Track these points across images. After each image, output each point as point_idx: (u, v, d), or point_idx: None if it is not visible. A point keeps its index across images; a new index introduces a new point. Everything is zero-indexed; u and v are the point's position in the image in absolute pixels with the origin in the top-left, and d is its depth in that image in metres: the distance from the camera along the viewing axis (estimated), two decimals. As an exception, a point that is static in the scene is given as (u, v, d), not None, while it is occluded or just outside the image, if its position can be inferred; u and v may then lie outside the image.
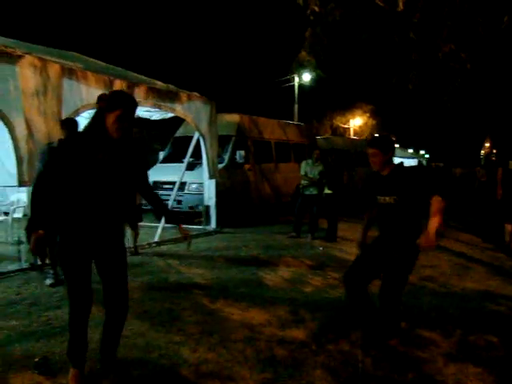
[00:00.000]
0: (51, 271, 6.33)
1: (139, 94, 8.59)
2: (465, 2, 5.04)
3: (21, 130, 6.43)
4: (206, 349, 4.36)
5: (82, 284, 3.37)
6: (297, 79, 33.49)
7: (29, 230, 3.32)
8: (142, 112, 10.01)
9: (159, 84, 9.65)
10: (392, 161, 4.37)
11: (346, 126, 48.16)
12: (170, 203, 10.87)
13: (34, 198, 3.21)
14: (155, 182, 12.67)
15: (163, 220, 10.27)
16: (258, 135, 14.72)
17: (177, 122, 12.58)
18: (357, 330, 4.69)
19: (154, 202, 3.75)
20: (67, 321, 4.96)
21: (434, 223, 3.94)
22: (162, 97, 9.30)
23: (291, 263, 8.10)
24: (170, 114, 10.19)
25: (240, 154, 13.15)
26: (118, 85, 8.04)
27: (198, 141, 10.92)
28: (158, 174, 12.88)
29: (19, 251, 7.15)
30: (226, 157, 13.07)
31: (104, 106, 3.18)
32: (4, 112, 6.29)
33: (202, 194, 11.73)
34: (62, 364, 3.93)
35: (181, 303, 5.70)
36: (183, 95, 10.03)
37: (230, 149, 13.26)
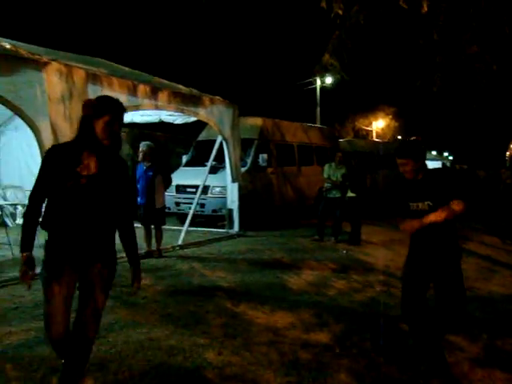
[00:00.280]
0: None
1: (163, 98, 8.66)
2: (490, 3, 4.98)
3: (47, 134, 6.52)
4: (230, 352, 4.37)
5: (61, 306, 3.12)
6: (319, 82, 33.44)
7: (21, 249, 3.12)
8: (166, 116, 10.10)
9: (182, 88, 9.71)
10: (425, 166, 4.03)
11: (368, 129, 47.90)
12: (193, 207, 10.92)
13: (25, 218, 3.13)
14: (178, 186, 12.77)
15: (187, 223, 10.36)
16: (280, 138, 14.71)
17: (200, 125, 12.65)
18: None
19: (125, 237, 3.36)
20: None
21: (434, 215, 3.75)
22: (185, 101, 9.36)
23: (315, 266, 8.08)
24: (193, 118, 10.25)
25: (263, 157, 13.16)
26: (142, 89, 8.11)
27: (220, 144, 10.96)
28: (181, 177, 12.97)
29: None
30: (249, 160, 13.09)
31: (91, 113, 3.05)
32: (31, 117, 6.40)
33: (224, 197, 11.76)
34: (89, 365, 3.98)
35: (204, 306, 5.73)
36: (206, 99, 10.08)
37: (252, 152, 13.28)
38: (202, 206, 12.19)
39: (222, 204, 11.92)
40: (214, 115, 10.36)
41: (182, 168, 14.09)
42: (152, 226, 8.53)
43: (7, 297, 5.96)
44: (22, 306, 5.64)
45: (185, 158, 14.54)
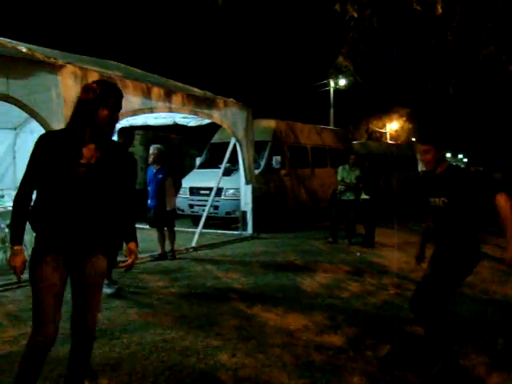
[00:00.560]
0: (106, 282, 6.37)
1: (177, 101, 8.71)
2: (507, 3, 4.95)
3: (62, 137, 6.58)
4: (243, 353, 4.37)
5: (51, 306, 2.98)
6: (333, 84, 33.38)
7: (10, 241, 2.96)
8: (180, 119, 10.14)
9: (196, 91, 9.75)
10: (445, 159, 3.96)
11: (382, 131, 47.70)
12: (207, 209, 10.96)
13: (15, 208, 2.93)
14: (192, 188, 12.82)
15: (201, 225, 10.39)
16: (294, 140, 14.71)
17: (213, 128, 12.68)
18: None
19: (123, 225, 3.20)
20: (107, 324, 5.08)
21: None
22: (198, 103, 9.40)
23: (328, 269, 8.06)
24: (207, 121, 10.29)
25: (276, 159, 13.16)
26: (156, 92, 8.16)
27: (234, 147, 10.99)
28: (194, 179, 13.03)
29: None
30: (263, 162, 13.10)
31: (95, 98, 2.84)
32: (46, 120, 6.46)
33: (238, 199, 11.77)
34: (103, 366, 4.01)
35: (218, 308, 5.74)
36: (220, 102, 10.11)
37: (266, 154, 13.29)
38: (216, 208, 12.22)
39: (236, 206, 11.94)
40: (228, 118, 10.39)
41: (195, 170, 14.13)
42: (165, 229, 8.56)
43: (23, 297, 6.01)
44: (38, 306, 5.68)
45: (198, 160, 14.59)
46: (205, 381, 3.88)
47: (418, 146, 3.96)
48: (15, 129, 11.71)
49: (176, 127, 11.38)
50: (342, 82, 32.58)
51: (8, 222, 8.45)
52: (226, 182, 11.92)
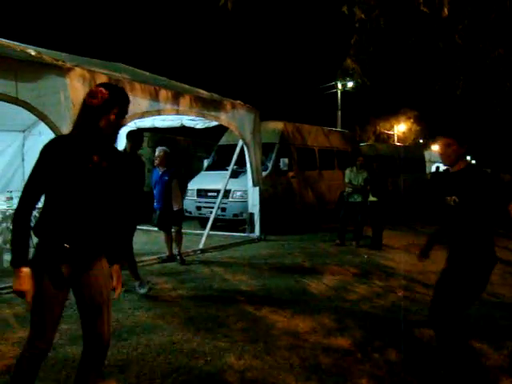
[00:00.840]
0: (137, 282, 6.43)
1: (184, 103, 8.73)
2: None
3: (70, 139, 6.61)
4: (251, 356, 4.37)
5: (55, 314, 2.81)
6: (340, 86, 33.34)
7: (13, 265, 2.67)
8: (187, 121, 10.16)
9: (203, 93, 9.77)
10: (465, 157, 3.76)
11: (389, 132, 47.59)
12: (215, 211, 10.97)
13: (17, 222, 2.71)
14: (199, 190, 12.84)
15: (208, 227, 10.40)
16: (301, 142, 14.71)
17: (221, 130, 12.70)
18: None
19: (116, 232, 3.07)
20: (114, 325, 5.08)
21: None
22: (206, 106, 9.42)
23: (336, 271, 8.05)
24: (214, 123, 10.30)
25: (284, 161, 13.16)
26: (164, 95, 8.18)
27: (241, 149, 11.00)
28: (202, 181, 13.06)
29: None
30: (270, 164, 13.10)
31: (101, 104, 2.71)
32: (55, 122, 6.49)
33: (246, 201, 11.78)
34: (111, 368, 4.02)
35: (226, 310, 5.74)
36: (227, 104, 10.12)
37: (273, 156, 13.29)
38: (223, 210, 12.23)
39: (243, 208, 11.95)
40: (236, 120, 10.40)
41: (203, 172, 14.16)
42: (172, 230, 8.53)
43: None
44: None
45: (206, 162, 14.61)
46: (212, 383, 3.89)
47: (439, 140, 3.73)
48: (24, 131, 11.78)
49: (183, 129, 11.41)
50: (350, 83, 32.56)
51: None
52: (234, 184, 11.93)
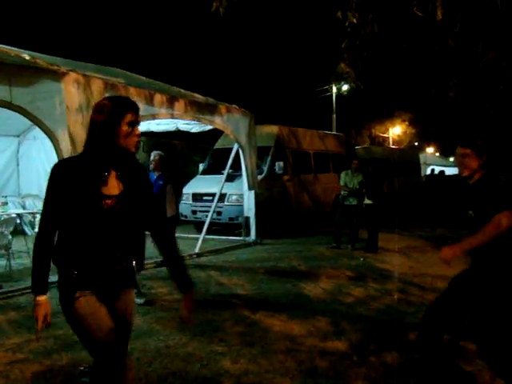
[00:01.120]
0: (134, 290, 6.36)
1: (179, 107, 8.73)
2: (506, 8, 4.97)
3: (65, 144, 6.60)
4: (247, 360, 4.37)
5: (109, 337, 2.56)
6: (335, 89, 33.41)
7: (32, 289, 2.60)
8: (182, 125, 10.16)
9: (198, 97, 9.78)
10: (485, 167, 3.51)
11: (384, 135, 47.70)
12: (210, 214, 10.96)
13: (37, 250, 2.57)
14: (195, 194, 12.83)
15: (204, 231, 10.39)
16: (296, 146, 14.72)
17: (216, 133, 12.71)
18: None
19: (165, 249, 2.83)
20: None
21: (471, 239, 3.32)
22: (201, 110, 9.42)
23: (332, 274, 8.05)
24: (210, 127, 10.30)
25: (279, 165, 13.17)
26: (159, 99, 8.18)
27: (237, 152, 11.00)
28: (197, 185, 13.05)
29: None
30: (265, 168, 13.10)
31: (108, 117, 2.51)
32: (49, 127, 6.48)
33: (241, 205, 11.78)
34: (107, 373, 4.00)
35: (222, 314, 5.73)
36: (222, 108, 10.13)
37: (269, 160, 13.29)
38: (219, 213, 12.22)
39: (239, 212, 11.94)
40: (231, 123, 10.41)
41: (198, 176, 14.15)
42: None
43: (26, 304, 6.02)
44: (41, 313, 5.69)
45: (201, 166, 14.60)
46: (208, 387, 3.88)
47: (457, 150, 3.57)
48: (18, 136, 11.77)
49: (179, 133, 11.40)
50: (345, 87, 32.64)
51: (12, 228, 8.50)
52: (229, 188, 11.92)
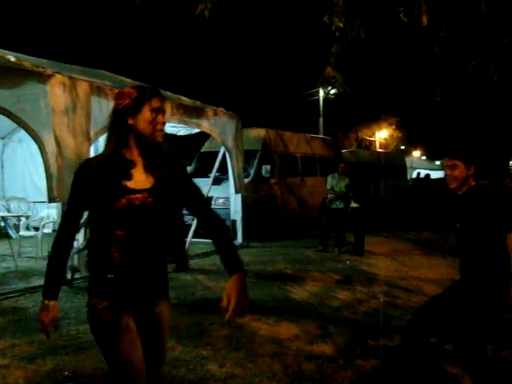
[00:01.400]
0: None
1: (166, 110, 8.69)
2: (490, 15, 5.02)
3: (50, 147, 6.56)
4: (233, 363, 4.35)
5: (138, 357, 2.34)
6: (322, 93, 33.51)
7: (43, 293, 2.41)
8: (169, 128, 10.13)
9: (185, 100, 9.75)
10: (474, 177, 3.49)
11: (371, 139, 47.89)
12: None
13: (54, 253, 2.42)
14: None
15: (190, 234, 10.34)
16: (283, 149, 14.74)
17: (203, 137, 12.69)
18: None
19: (215, 231, 2.55)
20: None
21: None
22: (188, 113, 9.40)
23: (318, 277, 8.06)
24: (196, 130, 10.28)
25: (266, 168, 13.17)
26: (145, 101, 8.14)
27: (224, 155, 10.99)
28: (184, 188, 13.00)
29: (49, 266, 7.25)
30: (252, 171, 13.10)
31: (132, 103, 2.32)
32: (35, 130, 6.44)
33: (228, 208, 11.75)
34: (92, 378, 3.98)
35: (208, 318, 5.71)
36: (209, 111, 10.11)
37: (255, 163, 13.29)
38: (206, 217, 12.16)
39: (226, 215, 11.89)
40: (218, 127, 10.39)
41: (185, 179, 14.08)
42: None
43: (10, 309, 5.97)
44: (26, 318, 5.65)
45: (188, 169, 14.55)
46: (194, 391, 3.86)
47: (445, 161, 3.55)
48: (3, 138, 11.67)
49: (165, 136, 11.32)
50: (332, 91, 32.75)
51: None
52: (216, 191, 11.90)
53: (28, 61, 6.71)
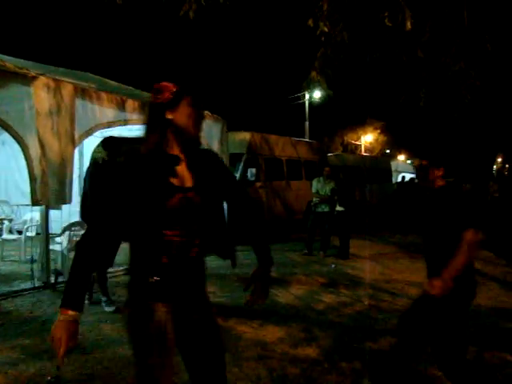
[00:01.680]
0: (104, 298, 6.22)
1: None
2: (473, 22, 5.08)
3: (34, 149, 6.50)
4: (217, 367, 4.33)
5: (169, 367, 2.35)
6: (307, 97, 33.61)
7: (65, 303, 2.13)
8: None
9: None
10: (444, 177, 3.59)
11: (357, 143, 48.17)
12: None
13: (76, 258, 2.17)
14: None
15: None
16: (269, 153, 14.74)
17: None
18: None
19: (249, 221, 2.65)
20: (79, 338, 4.97)
21: (453, 266, 3.21)
22: (173, 115, 9.36)
23: (303, 281, 8.07)
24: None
25: (251, 171, 13.16)
26: (131, 104, 8.11)
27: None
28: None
29: (32, 270, 7.19)
30: (238, 175, 13.08)
31: (171, 98, 2.23)
32: (18, 132, 6.37)
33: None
34: (75, 383, 3.93)
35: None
36: (195, 114, 10.08)
37: (241, 166, 13.28)
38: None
39: (211, 218, 11.87)
40: (203, 130, 10.33)
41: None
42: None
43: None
44: (8, 322, 5.58)
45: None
46: (179, 396, 3.83)
47: (415, 162, 3.66)
48: (-14, 141, 11.52)
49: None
50: (317, 94, 32.90)
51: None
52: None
53: (11, 62, 6.65)
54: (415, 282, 7.80)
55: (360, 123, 46.09)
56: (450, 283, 3.19)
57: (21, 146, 6.47)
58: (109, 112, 7.66)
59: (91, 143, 10.12)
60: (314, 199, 10.94)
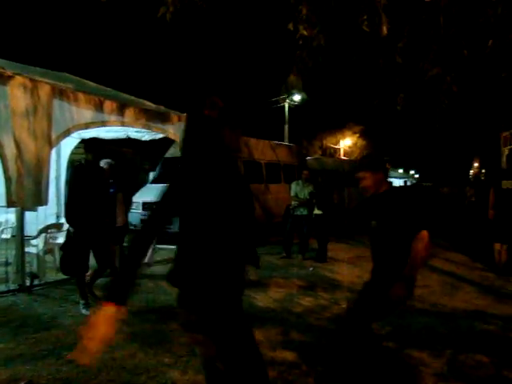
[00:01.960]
0: (82, 301, 6.17)
1: (129, 115, 8.60)
2: (450, 26, 5.14)
3: (9, 149, 6.41)
4: (195, 371, 4.31)
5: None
6: (287, 100, 33.72)
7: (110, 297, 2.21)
8: (133, 133, 10.02)
9: (150, 105, 9.67)
10: (386, 181, 3.79)
11: (336, 147, 48.44)
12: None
13: (130, 253, 2.33)
14: (145, 203, 12.66)
15: (154, 241, 10.20)
16: (248, 156, 14.75)
17: (168, 142, 12.60)
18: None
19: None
20: (54, 343, 4.93)
21: (409, 270, 3.43)
22: (152, 118, 9.31)
23: (282, 284, 8.08)
24: (161, 135, 10.20)
25: (230, 174, 13.13)
26: (109, 106, 8.05)
27: (188, 161, 10.91)
28: (148, 194, 12.87)
29: (7, 272, 7.09)
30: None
31: (220, 114, 2.39)
32: (-7, 132, 6.28)
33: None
34: (49, 387, 3.89)
35: (169, 324, 5.64)
36: (174, 116, 10.04)
37: (220, 169, 13.25)
38: (170, 223, 12.05)
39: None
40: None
41: (148, 185, 13.98)
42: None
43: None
44: (-19, 325, 5.50)
45: (152, 175, 14.44)
46: (155, 399, 3.81)
47: (356, 175, 3.85)
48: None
49: (129, 141, 11.23)
50: (297, 98, 33.02)
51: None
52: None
53: (-13, 62, 6.56)
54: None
55: (339, 127, 46.37)
56: (413, 280, 3.45)
57: (-4, 147, 6.38)
58: (87, 113, 7.59)
59: (69, 144, 10.02)
60: (293, 202, 10.97)
